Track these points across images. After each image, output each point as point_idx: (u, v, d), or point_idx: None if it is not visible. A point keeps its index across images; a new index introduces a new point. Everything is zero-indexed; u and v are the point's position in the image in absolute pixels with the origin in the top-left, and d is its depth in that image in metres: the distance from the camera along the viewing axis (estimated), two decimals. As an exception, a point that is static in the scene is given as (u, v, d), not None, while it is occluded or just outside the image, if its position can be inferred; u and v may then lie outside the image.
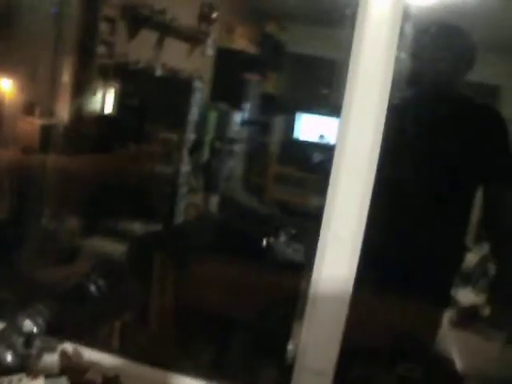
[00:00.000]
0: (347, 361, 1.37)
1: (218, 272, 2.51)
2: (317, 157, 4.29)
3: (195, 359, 2.29)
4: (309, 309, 1.35)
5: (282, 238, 3.08)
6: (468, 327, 2.25)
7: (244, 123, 4.59)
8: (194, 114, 3.79)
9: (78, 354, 1.47)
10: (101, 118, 3.55)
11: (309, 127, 4.90)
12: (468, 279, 2.57)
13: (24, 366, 1.34)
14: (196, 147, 3.85)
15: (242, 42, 4.56)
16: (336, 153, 1.27)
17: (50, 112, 3.02)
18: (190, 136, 3.78)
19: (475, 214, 2.02)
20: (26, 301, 1.46)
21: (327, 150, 1.42)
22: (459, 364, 2.04)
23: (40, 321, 1.39)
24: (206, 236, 3.24)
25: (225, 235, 3.12)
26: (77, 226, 2.96)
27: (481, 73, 1.93)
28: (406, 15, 1.21)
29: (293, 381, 1.39)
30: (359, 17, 1.22)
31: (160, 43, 3.84)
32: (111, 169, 3.07)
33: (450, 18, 1.84)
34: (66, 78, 3.10)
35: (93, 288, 2.09)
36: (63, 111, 3.11)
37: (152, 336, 2.45)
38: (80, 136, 3.17)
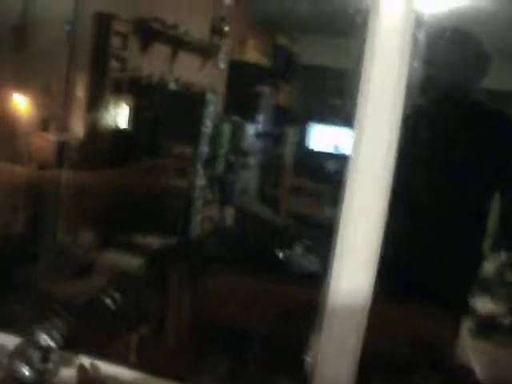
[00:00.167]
0: (365, 372, 1.36)
1: (235, 284, 2.51)
2: (331, 167, 4.28)
3: (212, 372, 2.28)
4: (326, 320, 1.33)
5: (298, 250, 3.08)
6: (487, 336, 2.23)
7: (258, 135, 4.59)
8: (207, 127, 3.80)
9: (94, 368, 1.47)
10: (115, 132, 3.56)
11: (323, 138, 4.88)
12: (486, 288, 2.54)
13: (41, 380, 1.34)
14: (210, 160, 3.86)
15: (254, 54, 4.58)
16: (351, 163, 1.27)
17: (64, 127, 3.04)
18: (204, 149, 3.79)
19: (492, 221, 2.00)
20: (43, 315, 1.46)
21: (341, 161, 1.41)
22: (479, 374, 2.01)
23: (57, 335, 1.39)
24: (222, 248, 3.24)
25: (241, 247, 3.12)
26: (92, 241, 2.97)
27: (496, 79, 1.92)
28: (418, 23, 1.20)
29: (310, 393, 1.38)
30: (371, 26, 1.21)
31: (173, 57, 3.86)
32: (126, 183, 3.08)
33: (463, 25, 1.83)
34: (80, 93, 3.12)
35: (109, 302, 2.10)
36: (77, 126, 3.14)
37: (169, 349, 2.44)
38: (94, 151, 3.19)
